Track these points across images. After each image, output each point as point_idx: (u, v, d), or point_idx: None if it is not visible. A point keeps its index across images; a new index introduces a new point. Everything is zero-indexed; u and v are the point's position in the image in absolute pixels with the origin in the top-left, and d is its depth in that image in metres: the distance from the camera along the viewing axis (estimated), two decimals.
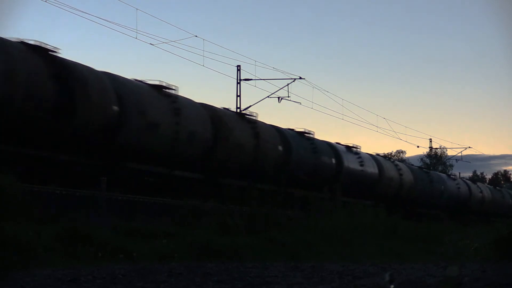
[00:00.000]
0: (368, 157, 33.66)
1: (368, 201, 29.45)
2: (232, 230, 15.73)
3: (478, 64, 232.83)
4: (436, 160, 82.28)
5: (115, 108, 19.00)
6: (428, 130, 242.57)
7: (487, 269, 9.85)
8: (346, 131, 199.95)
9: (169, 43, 39.75)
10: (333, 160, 29.80)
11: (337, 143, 31.69)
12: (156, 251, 12.04)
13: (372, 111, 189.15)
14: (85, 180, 17.35)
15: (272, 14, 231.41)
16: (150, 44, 49.19)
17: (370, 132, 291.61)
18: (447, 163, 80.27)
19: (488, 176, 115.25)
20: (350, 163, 31.12)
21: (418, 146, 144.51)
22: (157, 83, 21.32)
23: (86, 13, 57.09)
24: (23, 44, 17.28)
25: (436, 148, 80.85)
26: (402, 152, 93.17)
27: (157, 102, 20.75)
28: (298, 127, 28.83)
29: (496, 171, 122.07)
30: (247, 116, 25.54)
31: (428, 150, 79.20)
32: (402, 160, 68.63)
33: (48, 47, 17.59)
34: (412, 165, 42.90)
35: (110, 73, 19.94)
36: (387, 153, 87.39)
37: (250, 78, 38.02)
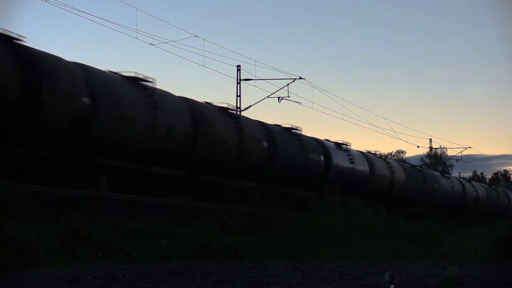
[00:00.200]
0: (358, 154, 32.84)
1: (358, 199, 28.58)
2: (232, 230, 15.74)
3: (478, 64, 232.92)
4: (436, 160, 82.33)
5: (86, 100, 18.01)
6: (428, 130, 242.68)
7: (487, 269, 9.85)
8: (346, 131, 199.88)
9: (169, 43, 39.88)
10: (322, 157, 28.96)
11: (326, 139, 30.96)
12: (156, 251, 12.04)
13: (372, 111, 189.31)
14: (55, 176, 16.68)
15: (272, 14, 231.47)
16: (150, 44, 49.27)
17: (370, 132, 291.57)
18: (447, 163, 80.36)
19: (488, 176, 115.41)
20: (340, 160, 30.28)
21: (418, 146, 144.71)
22: (132, 74, 20.37)
23: (86, 13, 57.16)
24: None
25: (436, 148, 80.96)
26: (402, 152, 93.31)
27: (132, 95, 19.82)
28: (285, 123, 28.07)
29: (496, 171, 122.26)
30: (230, 111, 24.63)
31: (428, 150, 79.31)
32: (402, 160, 68.65)
33: (12, 35, 16.72)
34: (405, 162, 41.84)
35: (82, 64, 18.99)
36: (387, 153, 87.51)
37: (250, 78, 38.11)
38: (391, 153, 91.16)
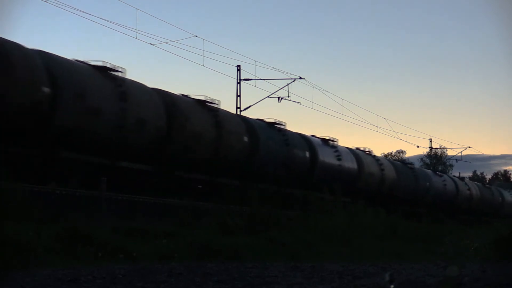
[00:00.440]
0: (346, 150, 31.83)
1: (347, 197, 27.53)
2: (232, 230, 15.75)
3: (478, 64, 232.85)
4: (436, 160, 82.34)
5: (46, 89, 16.92)
6: (428, 130, 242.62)
7: (487, 269, 9.86)
8: (346, 131, 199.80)
9: (169, 43, 39.81)
10: (307, 153, 27.85)
11: (312, 135, 29.90)
12: (156, 251, 12.04)
13: (372, 111, 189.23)
14: (13, 171, 15.21)
15: (272, 14, 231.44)
16: (150, 44, 49.26)
17: (370, 132, 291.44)
18: (447, 163, 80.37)
19: (488, 176, 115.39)
20: (326, 156, 29.19)
21: (418, 146, 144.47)
22: (100, 64, 19.23)
23: (86, 13, 57.13)
24: None
25: (436, 148, 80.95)
26: (402, 152, 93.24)
27: (100, 85, 18.68)
28: (268, 118, 26.99)
29: (496, 171, 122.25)
30: (208, 104, 23.31)
31: (428, 150, 79.31)
32: (402, 160, 68.64)
33: None
34: (396, 160, 40.79)
35: (44, 52, 17.88)
36: (387, 153, 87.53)
37: (250, 78, 38.08)
38: (391, 153, 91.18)
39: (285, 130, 27.24)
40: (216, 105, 23.33)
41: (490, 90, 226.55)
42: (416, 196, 37.67)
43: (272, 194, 23.51)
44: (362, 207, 22.11)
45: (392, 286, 7.81)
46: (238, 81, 38.58)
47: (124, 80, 19.68)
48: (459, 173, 67.54)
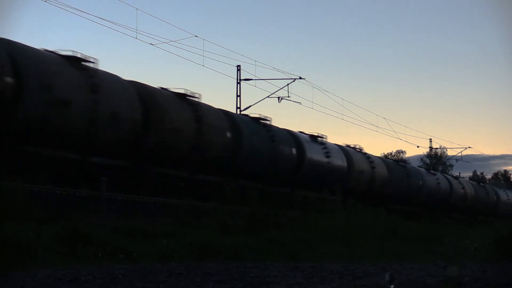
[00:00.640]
0: (335, 147, 30.71)
1: (336, 196, 26.75)
2: (232, 230, 15.75)
3: (478, 64, 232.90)
4: (436, 160, 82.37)
5: (9, 79, 16.02)
6: (428, 130, 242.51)
7: (487, 269, 9.86)
8: (346, 131, 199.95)
9: (169, 43, 39.77)
10: (294, 150, 26.71)
11: (300, 131, 28.78)
12: (156, 251, 12.05)
13: (372, 111, 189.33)
14: None
15: (272, 14, 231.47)
16: (150, 44, 49.30)
17: (370, 132, 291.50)
18: (447, 163, 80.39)
19: (488, 176, 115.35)
20: (314, 153, 28.00)
21: (418, 146, 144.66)
22: (70, 53, 18.18)
23: (86, 13, 57.10)
24: None
25: (436, 148, 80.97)
26: (402, 152, 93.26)
27: (69, 76, 17.63)
28: (253, 114, 26.05)
29: (496, 171, 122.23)
30: (189, 98, 22.14)
31: (428, 150, 79.33)
32: (402, 160, 68.66)
33: None
34: (387, 158, 39.08)
35: (8, 39, 16.95)
36: (387, 153, 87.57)
37: (250, 78, 38.07)
38: (391, 153, 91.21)
39: (271, 126, 26.29)
40: (197, 99, 22.42)
41: (490, 90, 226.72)
42: (409, 195, 36.65)
43: (257, 191, 22.53)
44: (362, 207, 22.11)
45: (392, 286, 7.81)
46: (238, 81, 38.57)
47: (96, 71, 18.68)
48: (459, 173, 67.51)
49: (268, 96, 38.04)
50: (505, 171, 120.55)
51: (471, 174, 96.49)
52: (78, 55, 18.25)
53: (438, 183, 41.11)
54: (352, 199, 25.21)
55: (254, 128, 25.00)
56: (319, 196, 25.42)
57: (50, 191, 15.28)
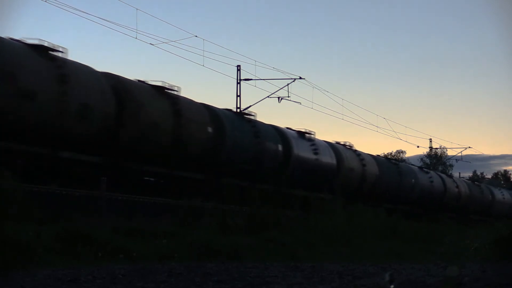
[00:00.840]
0: (324, 144, 29.59)
1: (325, 194, 25.81)
2: (232, 230, 15.75)
3: (478, 64, 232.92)
4: (436, 160, 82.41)
5: None
6: (428, 130, 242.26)
7: (487, 269, 9.87)
8: (346, 131, 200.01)
9: (169, 43, 39.77)
10: (280, 146, 25.75)
11: (287, 127, 27.84)
12: (156, 251, 12.06)
13: (372, 111, 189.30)
14: None
15: (272, 14, 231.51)
16: (150, 44, 49.30)
17: (370, 132, 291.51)
18: (447, 163, 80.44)
19: (488, 176, 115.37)
20: (302, 150, 26.97)
21: (418, 146, 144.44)
22: (37, 42, 17.27)
23: (86, 13, 57.00)
24: None
25: (436, 148, 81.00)
26: (402, 152, 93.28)
27: (35, 65, 16.79)
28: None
29: (496, 171, 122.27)
30: (167, 91, 21.21)
31: (428, 150, 79.35)
32: (402, 160, 68.64)
33: None
34: (378, 156, 35.91)
35: None
36: (387, 153, 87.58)
37: (250, 78, 38.05)
38: (391, 153, 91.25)
39: (255, 121, 25.31)
40: (176, 92, 21.46)
41: (490, 90, 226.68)
42: (401, 194, 35.68)
43: (241, 189, 22.27)
44: (362, 207, 22.11)
45: (392, 286, 7.82)
46: (238, 81, 38.55)
47: (65, 61, 17.70)
48: (459, 173, 67.60)
49: (268, 96, 38.01)
50: (505, 171, 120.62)
51: (471, 174, 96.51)
52: (46, 44, 17.30)
53: (432, 182, 40.25)
54: (341, 197, 24.16)
55: (237, 123, 24.08)
56: (307, 195, 24.89)
57: (50, 191, 15.28)
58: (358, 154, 32.50)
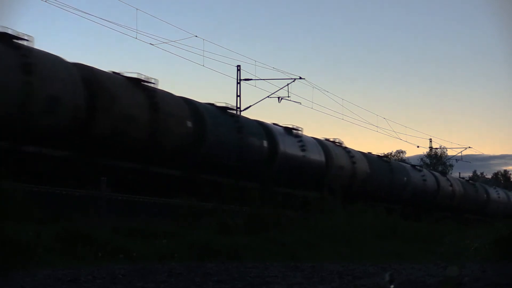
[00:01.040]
0: (312, 141, 28.77)
1: (313, 192, 25.51)
2: (232, 230, 15.75)
3: (478, 64, 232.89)
4: (436, 160, 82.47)
5: None
6: (428, 130, 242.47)
7: (487, 269, 9.87)
8: (346, 131, 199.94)
9: (169, 43, 39.83)
10: (265, 142, 24.98)
11: (274, 123, 27.13)
12: (156, 251, 12.05)
13: (372, 111, 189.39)
14: None
15: (272, 14, 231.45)
16: (150, 44, 49.34)
17: (370, 132, 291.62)
18: (447, 163, 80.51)
19: (488, 176, 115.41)
20: (288, 147, 26.16)
21: (418, 146, 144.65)
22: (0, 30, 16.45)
23: (86, 13, 57.10)
24: None
25: (436, 148, 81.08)
26: (402, 152, 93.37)
27: None
28: (218, 102, 24.05)
29: (496, 171, 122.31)
30: (143, 83, 20.25)
31: (428, 150, 79.44)
32: (402, 160, 68.67)
33: None
34: (370, 153, 35.29)
35: None
36: (387, 153, 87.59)
37: (250, 78, 38.09)
38: (391, 153, 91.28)
39: (239, 116, 24.58)
40: (153, 85, 20.61)
41: (490, 90, 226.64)
42: (392, 192, 34.88)
43: (224, 186, 21.70)
44: (362, 207, 22.10)
45: (392, 286, 7.82)
46: (238, 81, 38.61)
47: (31, 50, 16.88)
48: (459, 173, 67.64)
49: (268, 96, 38.10)
50: (505, 171, 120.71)
51: (471, 174, 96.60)
52: (9, 32, 16.50)
53: (424, 180, 39.38)
54: (330, 195, 23.54)
55: (220, 118, 23.16)
56: (294, 193, 24.44)
57: (50, 191, 15.29)
58: (348, 151, 31.67)
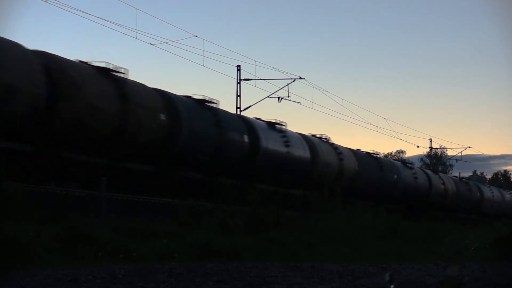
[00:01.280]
0: (297, 137, 27.69)
1: (298, 190, 24.80)
2: (232, 230, 15.75)
3: (478, 64, 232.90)
4: (436, 160, 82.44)
5: None
6: (428, 130, 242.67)
7: (487, 269, 9.86)
8: (346, 131, 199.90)
9: (169, 43, 39.74)
10: (246, 138, 23.96)
11: (256, 118, 26.18)
12: (156, 251, 12.05)
13: (372, 111, 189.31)
14: None
15: (272, 14, 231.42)
16: (150, 44, 49.30)
17: (370, 132, 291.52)
18: (447, 163, 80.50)
19: (488, 176, 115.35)
20: (271, 142, 25.16)
21: (418, 146, 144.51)
22: None
23: (86, 13, 57.03)
24: None
25: (436, 148, 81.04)
26: (402, 152, 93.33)
27: None
28: (196, 94, 22.92)
29: (496, 171, 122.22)
30: (112, 72, 19.19)
31: (428, 150, 79.39)
32: (402, 160, 68.66)
33: None
34: (358, 150, 34.48)
35: None
36: (387, 153, 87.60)
37: (250, 78, 38.06)
38: (391, 153, 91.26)
39: (218, 109, 23.30)
40: (123, 75, 19.48)
41: (490, 90, 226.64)
42: (382, 190, 33.73)
43: (200, 184, 20.97)
44: (362, 207, 22.06)
45: (392, 286, 7.81)
46: (238, 81, 38.59)
47: None
48: (459, 173, 67.56)
49: (268, 96, 38.07)
50: (505, 171, 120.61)
51: (471, 174, 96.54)
52: None
53: (416, 178, 38.31)
54: (316, 193, 22.54)
55: (196, 111, 22.00)
56: (278, 190, 23.74)
57: (50, 191, 15.29)
58: (335, 147, 30.56)
